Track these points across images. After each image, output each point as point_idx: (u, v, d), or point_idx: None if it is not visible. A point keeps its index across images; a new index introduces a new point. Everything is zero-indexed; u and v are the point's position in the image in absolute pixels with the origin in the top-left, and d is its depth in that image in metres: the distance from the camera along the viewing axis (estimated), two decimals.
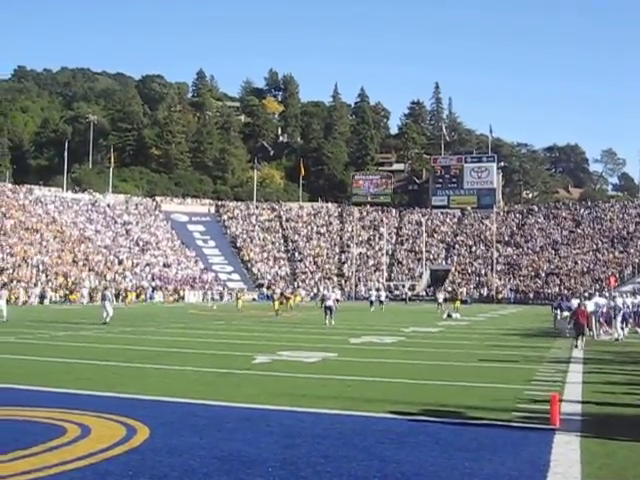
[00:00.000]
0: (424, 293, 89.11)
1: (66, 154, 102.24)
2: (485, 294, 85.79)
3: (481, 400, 13.02)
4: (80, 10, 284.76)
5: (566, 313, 29.77)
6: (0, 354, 20.26)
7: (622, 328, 29.60)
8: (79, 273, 73.35)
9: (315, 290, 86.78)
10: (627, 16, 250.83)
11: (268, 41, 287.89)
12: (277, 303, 50.42)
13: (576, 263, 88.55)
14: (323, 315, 38.13)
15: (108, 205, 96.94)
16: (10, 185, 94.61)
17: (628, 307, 31.53)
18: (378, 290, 63.29)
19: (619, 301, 30.68)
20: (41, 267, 71.01)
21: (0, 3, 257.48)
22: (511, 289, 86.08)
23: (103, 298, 37.71)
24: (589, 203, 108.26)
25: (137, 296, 73.29)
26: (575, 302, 29.42)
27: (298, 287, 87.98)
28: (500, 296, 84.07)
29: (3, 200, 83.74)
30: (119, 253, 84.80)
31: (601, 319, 31.93)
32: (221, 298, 71.20)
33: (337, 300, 46.05)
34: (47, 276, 69.82)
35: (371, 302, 59.99)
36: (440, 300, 57.95)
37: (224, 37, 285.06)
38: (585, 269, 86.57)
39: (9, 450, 8.58)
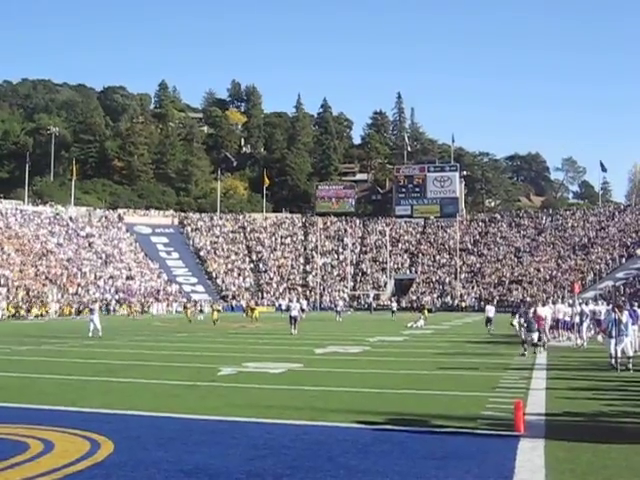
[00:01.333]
0: (388, 302, 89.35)
1: (27, 166, 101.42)
2: (449, 302, 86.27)
3: (446, 408, 13.08)
4: (41, 21, 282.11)
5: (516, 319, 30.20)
6: None
7: (587, 335, 29.84)
8: (41, 287, 72.58)
9: (280, 301, 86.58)
10: (584, 15, 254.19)
11: (230, 52, 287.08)
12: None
13: (539, 270, 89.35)
14: (288, 325, 39.33)
15: (70, 218, 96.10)
16: None
17: (591, 314, 31.74)
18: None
19: (585, 308, 30.93)
20: (2, 281, 70.16)
21: None
22: (475, 297, 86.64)
23: (91, 312, 37.46)
24: (551, 211, 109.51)
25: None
26: (540, 309, 29.91)
27: (262, 298, 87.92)
28: (464, 304, 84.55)
29: None
30: (82, 266, 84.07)
31: (562, 326, 32.34)
32: (201, 310, 69.87)
33: (302, 310, 46.68)
34: (8, 290, 69.00)
35: (337, 312, 61.41)
36: (394, 309, 60.18)
37: (186, 48, 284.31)
38: (548, 276, 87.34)
39: None
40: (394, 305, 62.32)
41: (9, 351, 26.63)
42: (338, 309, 63.50)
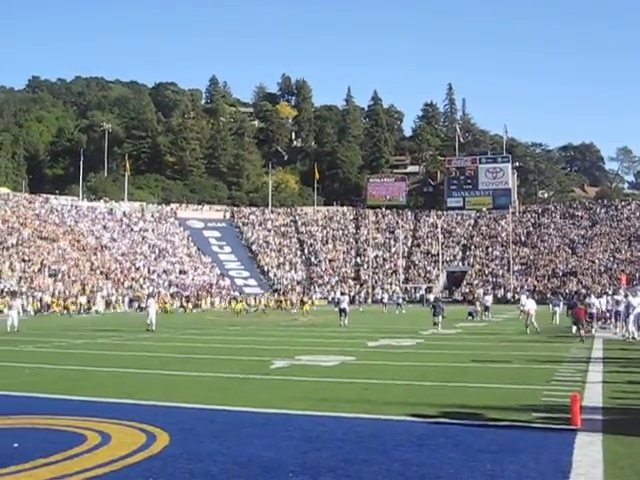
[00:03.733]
0: (441, 295, 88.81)
1: (81, 163, 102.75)
2: (502, 295, 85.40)
3: (501, 401, 12.95)
4: (93, 19, 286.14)
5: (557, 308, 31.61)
6: (19, 363, 20.31)
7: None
8: (96, 282, 73.57)
9: (332, 294, 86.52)
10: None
11: (281, 46, 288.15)
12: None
13: (593, 262, 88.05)
14: (338, 317, 40.86)
15: (124, 213, 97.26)
16: (26, 195, 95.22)
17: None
18: (342, 294, 62.22)
19: (633, 300, 30.31)
20: (59, 276, 71.27)
21: (14, 15, 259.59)
22: (528, 289, 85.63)
23: (147, 306, 38.18)
24: (605, 202, 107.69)
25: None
26: (595, 300, 29.74)
27: (314, 291, 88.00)
28: (517, 297, 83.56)
29: (20, 210, 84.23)
30: (136, 261, 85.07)
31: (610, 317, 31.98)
32: (248, 304, 69.44)
33: (350, 303, 47.88)
34: (64, 285, 70.03)
35: (399, 304, 61.72)
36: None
37: (236, 43, 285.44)
38: (602, 268, 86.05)
39: (30, 458, 8.59)
40: (431, 297, 63.43)
41: (66, 344, 27.04)
42: (400, 302, 64.22)
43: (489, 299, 50.03)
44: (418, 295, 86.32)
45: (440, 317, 36.17)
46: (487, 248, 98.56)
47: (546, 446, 9.34)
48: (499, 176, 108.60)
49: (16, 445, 9.32)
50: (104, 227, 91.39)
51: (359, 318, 47.83)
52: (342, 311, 40.87)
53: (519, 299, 47.70)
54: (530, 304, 35.57)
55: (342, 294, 59.46)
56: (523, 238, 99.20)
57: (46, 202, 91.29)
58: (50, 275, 70.74)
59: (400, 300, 65.28)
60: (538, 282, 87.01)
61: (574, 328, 29.26)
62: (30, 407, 12.59)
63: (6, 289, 63.41)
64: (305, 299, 63.08)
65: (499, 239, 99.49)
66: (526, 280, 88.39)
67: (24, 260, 71.68)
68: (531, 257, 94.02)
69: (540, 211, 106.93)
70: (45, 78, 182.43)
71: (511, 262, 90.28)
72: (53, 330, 37.10)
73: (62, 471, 8.09)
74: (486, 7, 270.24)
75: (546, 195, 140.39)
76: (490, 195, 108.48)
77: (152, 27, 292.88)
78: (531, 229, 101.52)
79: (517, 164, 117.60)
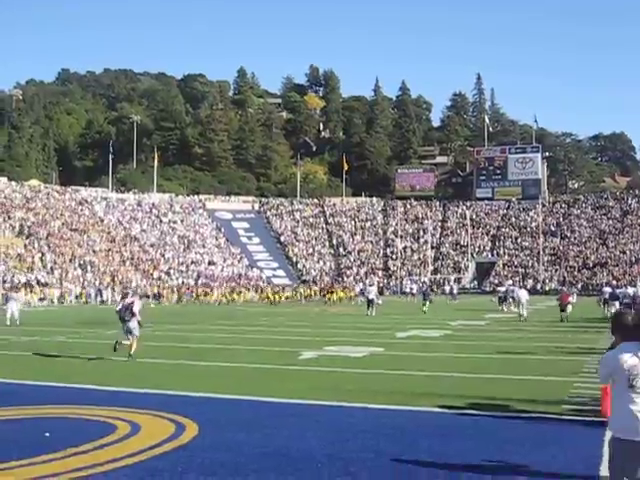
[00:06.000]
0: (469, 286, 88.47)
1: (110, 155, 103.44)
2: (531, 286, 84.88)
3: (530, 393, 12.87)
4: (122, 12, 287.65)
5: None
6: (51, 353, 20.48)
7: None
8: (126, 273, 74.07)
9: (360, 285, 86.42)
10: None
11: (308, 37, 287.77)
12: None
13: (624, 253, 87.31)
14: (365, 307, 42.33)
15: (153, 204, 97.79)
16: (57, 187, 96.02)
17: None
18: (371, 285, 60.75)
19: None
20: (90, 267, 71.83)
21: (43, 8, 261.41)
22: (558, 280, 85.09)
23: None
24: (637, 192, 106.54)
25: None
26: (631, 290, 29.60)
27: (342, 282, 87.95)
28: (547, 287, 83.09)
29: (50, 202, 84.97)
30: (165, 252, 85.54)
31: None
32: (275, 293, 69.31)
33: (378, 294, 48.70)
34: (94, 275, 70.56)
35: (452, 294, 63.40)
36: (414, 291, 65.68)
37: (264, 34, 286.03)
38: (634, 259, 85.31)
39: (62, 448, 8.68)
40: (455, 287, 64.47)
41: (96, 334, 27.23)
42: (454, 291, 65.99)
43: (523, 294, 39.65)
44: (447, 288, 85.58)
45: (428, 302, 43.84)
46: (516, 239, 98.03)
47: (575, 438, 9.28)
48: (528, 166, 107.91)
49: (47, 434, 9.42)
50: (133, 218, 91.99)
51: (387, 309, 47.76)
52: (370, 302, 41.76)
53: (512, 289, 47.01)
54: (522, 294, 37.64)
55: (370, 285, 59.40)
56: (553, 229, 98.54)
57: (76, 194, 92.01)
58: (80, 266, 71.33)
59: (454, 290, 66.22)
60: (568, 273, 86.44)
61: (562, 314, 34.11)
62: (60, 397, 12.70)
63: (36, 281, 64.05)
64: (334, 289, 63.40)
65: (528, 230, 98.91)
66: (556, 271, 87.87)
67: (55, 252, 72.31)
68: (561, 248, 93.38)
69: (570, 201, 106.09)
70: (74, 71, 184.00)
71: (541, 253, 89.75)
72: (86, 320, 37.30)
73: (93, 460, 8.17)
74: (513, 1, 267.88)
75: (576, 185, 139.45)
76: (520, 185, 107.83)
77: (180, 19, 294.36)
78: (561, 220, 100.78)
79: (547, 154, 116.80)
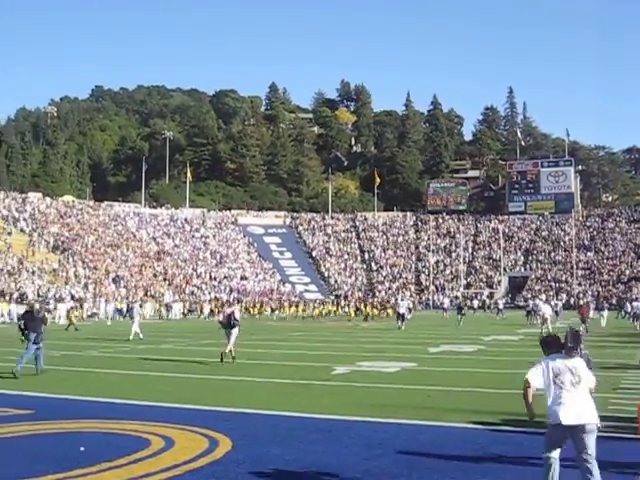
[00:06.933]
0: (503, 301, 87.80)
1: (143, 170, 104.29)
2: (565, 300, 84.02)
3: None
4: (154, 29, 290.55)
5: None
6: (85, 368, 20.64)
7: None
8: (158, 288, 74.49)
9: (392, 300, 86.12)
10: None
11: (339, 52, 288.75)
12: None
13: None
14: (396, 321, 43.42)
15: (185, 219, 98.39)
16: (90, 202, 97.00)
17: None
18: (402, 300, 59.29)
19: None
20: (122, 282, 72.32)
21: (77, 26, 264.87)
22: (592, 295, 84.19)
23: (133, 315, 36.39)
24: None
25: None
26: None
27: (374, 297, 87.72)
28: (581, 302, 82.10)
29: (84, 217, 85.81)
30: (197, 267, 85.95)
31: None
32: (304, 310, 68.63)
33: (409, 309, 49.10)
34: (127, 290, 71.02)
35: (499, 310, 63.10)
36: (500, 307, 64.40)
37: (296, 49, 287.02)
38: None
39: (96, 462, 8.75)
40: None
41: (128, 349, 27.39)
42: (500, 307, 64.52)
43: (547, 309, 40.17)
44: (475, 302, 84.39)
45: (461, 317, 46.05)
46: (549, 253, 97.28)
47: (612, 455, 9.17)
48: (561, 180, 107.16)
49: (82, 449, 9.48)
50: (166, 234, 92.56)
51: (420, 323, 47.66)
52: (400, 316, 42.98)
53: (536, 304, 47.14)
54: (546, 309, 37.85)
55: (402, 299, 59.21)
56: (586, 242, 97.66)
57: (109, 209, 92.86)
58: (113, 281, 71.85)
59: (500, 305, 65.89)
60: (602, 287, 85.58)
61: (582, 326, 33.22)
62: (95, 411, 12.80)
63: (70, 296, 64.58)
64: (364, 305, 63.54)
65: (562, 244, 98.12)
66: (590, 285, 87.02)
67: (89, 267, 72.92)
68: (595, 262, 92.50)
69: (604, 215, 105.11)
70: (108, 87, 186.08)
71: (574, 267, 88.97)
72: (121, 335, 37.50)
73: (127, 475, 8.24)
74: (545, 15, 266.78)
75: (610, 199, 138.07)
76: (552, 199, 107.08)
77: (212, 36, 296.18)
78: (595, 233, 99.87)
79: (580, 167, 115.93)
